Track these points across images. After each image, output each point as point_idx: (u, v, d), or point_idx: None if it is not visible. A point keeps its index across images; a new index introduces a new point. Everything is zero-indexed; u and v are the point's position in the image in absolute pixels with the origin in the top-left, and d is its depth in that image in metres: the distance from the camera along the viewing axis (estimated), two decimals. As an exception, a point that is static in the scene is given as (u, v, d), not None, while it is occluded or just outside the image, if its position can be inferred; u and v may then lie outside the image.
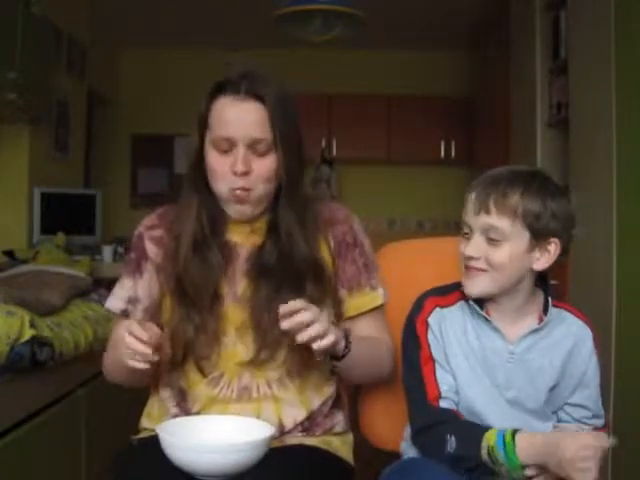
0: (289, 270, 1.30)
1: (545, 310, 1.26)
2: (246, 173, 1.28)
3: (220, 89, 1.30)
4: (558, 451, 1.07)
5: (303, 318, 1.13)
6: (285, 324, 1.14)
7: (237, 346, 1.31)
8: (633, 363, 2.36)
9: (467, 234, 1.24)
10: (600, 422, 1.27)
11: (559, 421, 1.27)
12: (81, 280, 2.69)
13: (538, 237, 1.20)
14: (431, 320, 1.28)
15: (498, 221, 1.19)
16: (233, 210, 1.32)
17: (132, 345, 1.14)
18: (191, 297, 1.30)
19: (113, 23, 5.02)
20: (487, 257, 1.21)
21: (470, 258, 1.22)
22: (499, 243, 1.20)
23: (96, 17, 4.55)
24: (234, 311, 1.32)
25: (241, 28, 5.16)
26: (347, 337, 1.24)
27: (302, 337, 1.14)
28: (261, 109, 1.28)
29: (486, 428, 1.17)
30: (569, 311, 1.29)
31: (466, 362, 1.24)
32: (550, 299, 1.26)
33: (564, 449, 1.06)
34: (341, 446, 1.36)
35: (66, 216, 3.85)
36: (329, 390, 1.37)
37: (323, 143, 5.67)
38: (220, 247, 1.33)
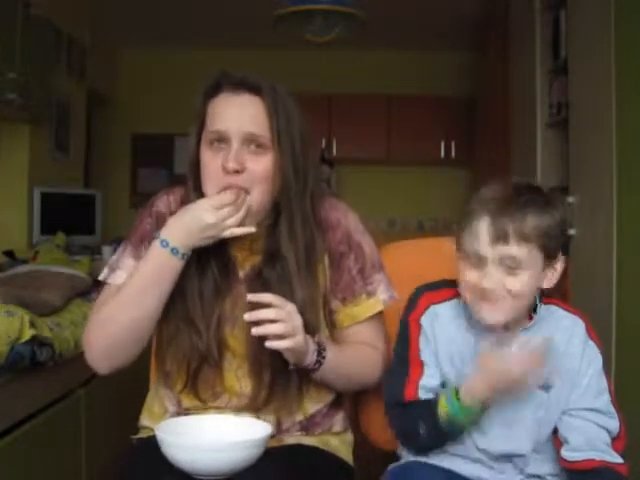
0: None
1: (535, 309, 1.25)
2: (238, 172, 1.19)
3: (217, 86, 1.24)
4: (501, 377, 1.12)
5: (265, 315, 1.12)
6: (247, 316, 1.12)
7: (236, 384, 1.28)
8: (633, 363, 2.36)
9: (473, 261, 1.18)
10: (613, 423, 1.20)
11: (570, 428, 1.21)
12: (81, 280, 2.68)
13: (549, 257, 1.18)
14: (424, 321, 1.27)
15: (518, 250, 1.15)
16: None
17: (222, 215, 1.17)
18: (190, 313, 1.25)
19: (113, 23, 5.02)
20: (505, 285, 1.17)
21: (488, 290, 1.17)
22: (517, 271, 1.16)
23: (96, 17, 4.56)
24: (235, 342, 1.27)
25: (241, 28, 5.15)
26: (320, 351, 1.20)
27: (257, 330, 1.12)
28: (258, 102, 1.21)
29: (436, 400, 1.20)
30: (558, 306, 1.28)
31: (456, 363, 1.24)
32: (538, 298, 1.24)
33: (507, 372, 1.11)
34: (340, 446, 1.35)
35: (66, 216, 3.85)
36: (329, 397, 1.35)
37: (323, 143, 5.67)
38: (222, 260, 1.27)
